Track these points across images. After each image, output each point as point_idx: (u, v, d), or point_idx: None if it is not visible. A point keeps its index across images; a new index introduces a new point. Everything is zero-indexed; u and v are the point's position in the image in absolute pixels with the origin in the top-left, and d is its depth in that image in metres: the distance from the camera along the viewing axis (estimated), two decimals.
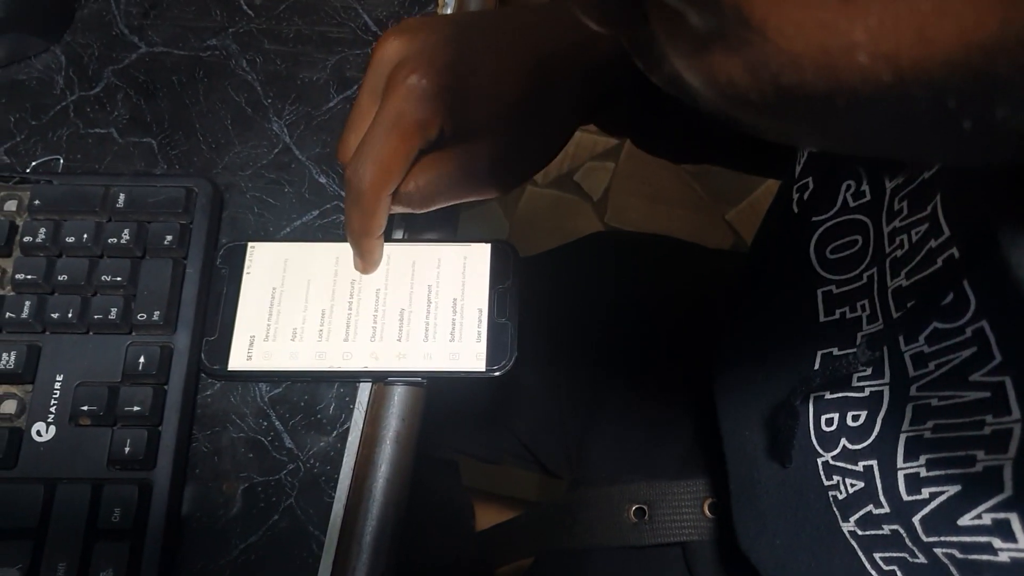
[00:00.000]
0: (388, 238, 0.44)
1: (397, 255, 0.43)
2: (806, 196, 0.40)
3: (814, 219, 0.39)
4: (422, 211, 0.40)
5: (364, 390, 0.41)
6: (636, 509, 0.53)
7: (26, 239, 0.40)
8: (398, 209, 0.39)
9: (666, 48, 0.18)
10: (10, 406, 0.38)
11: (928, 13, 0.14)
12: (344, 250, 0.42)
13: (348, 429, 0.40)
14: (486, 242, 0.43)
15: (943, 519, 0.30)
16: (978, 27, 0.14)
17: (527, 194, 1.34)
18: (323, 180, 0.45)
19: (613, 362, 0.61)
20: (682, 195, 1.36)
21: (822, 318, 0.38)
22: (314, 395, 0.41)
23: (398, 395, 0.41)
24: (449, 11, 0.49)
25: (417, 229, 0.45)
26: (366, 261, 0.41)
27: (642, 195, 1.36)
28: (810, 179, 0.40)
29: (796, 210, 0.40)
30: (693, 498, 0.52)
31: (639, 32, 0.19)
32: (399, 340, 0.41)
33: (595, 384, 0.61)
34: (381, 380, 0.41)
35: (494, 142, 0.38)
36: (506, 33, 0.39)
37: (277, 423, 0.40)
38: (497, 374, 0.40)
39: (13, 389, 0.39)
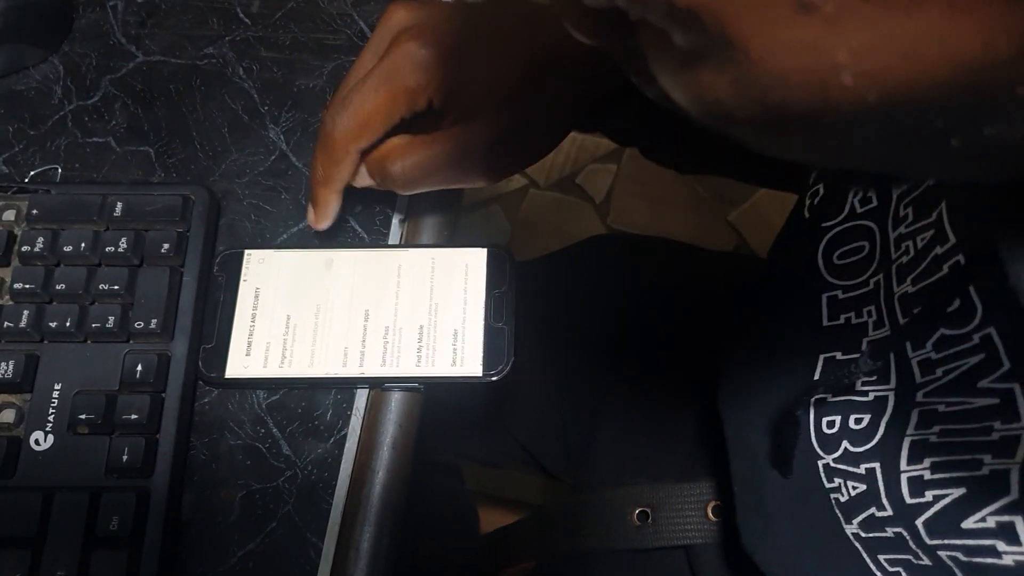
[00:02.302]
0: (384, 244, 0.44)
1: (393, 260, 0.43)
2: (816, 202, 0.40)
3: (823, 224, 0.39)
4: (405, 192, 0.39)
5: (361, 396, 0.41)
6: (639, 512, 0.53)
7: (24, 248, 0.41)
8: (380, 186, 0.39)
9: (653, 66, 0.18)
10: (9, 415, 0.38)
11: (912, 36, 0.14)
12: (341, 256, 0.42)
13: (345, 436, 0.40)
14: (482, 247, 0.43)
15: (947, 522, 0.30)
16: (962, 49, 0.14)
17: (529, 196, 1.34)
18: None
19: (615, 365, 0.61)
20: (684, 197, 1.36)
21: (825, 322, 0.38)
22: (311, 402, 0.41)
23: (395, 401, 0.41)
24: None
25: (415, 232, 0.45)
26: (319, 213, 0.41)
27: (644, 197, 1.36)
28: (821, 185, 0.40)
29: (807, 215, 0.41)
30: (696, 501, 0.52)
31: (627, 46, 0.19)
32: (396, 346, 0.41)
33: (597, 387, 0.61)
34: (378, 386, 0.41)
35: (484, 128, 0.38)
36: (510, 21, 0.39)
37: (275, 430, 0.40)
38: (494, 379, 0.40)
39: (11, 398, 0.39)
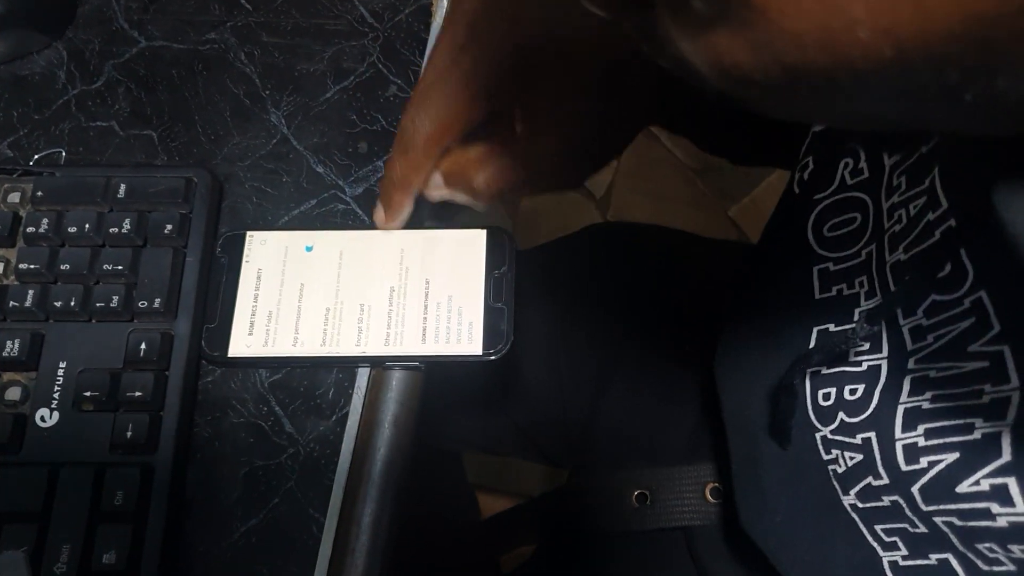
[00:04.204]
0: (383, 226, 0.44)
1: (394, 241, 0.43)
2: (806, 176, 0.40)
3: (814, 197, 0.39)
4: (487, 203, 0.39)
5: (363, 375, 0.41)
6: (638, 494, 0.53)
7: (29, 229, 0.41)
8: (463, 200, 0.39)
9: (671, 31, 0.19)
10: (15, 393, 0.39)
11: None
12: (342, 238, 0.43)
13: (347, 413, 0.41)
14: (482, 228, 0.43)
15: (941, 487, 0.30)
16: (975, 1, 0.14)
17: None
18: (320, 169, 0.45)
19: (614, 349, 0.61)
20: (685, 191, 1.36)
21: (817, 295, 0.38)
22: (313, 380, 0.41)
23: (396, 379, 0.41)
24: (445, 2, 0.49)
25: (416, 214, 0.45)
26: (392, 215, 0.40)
27: (645, 192, 1.37)
28: (810, 159, 0.40)
29: (797, 190, 0.41)
30: (695, 483, 0.52)
31: (643, 16, 0.20)
32: (396, 325, 0.41)
33: (596, 371, 0.61)
34: (379, 365, 0.41)
35: (566, 133, 0.37)
36: (592, 22, 0.39)
37: (277, 408, 0.41)
38: (493, 358, 0.41)
39: (17, 376, 0.39)
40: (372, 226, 0.44)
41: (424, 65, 0.38)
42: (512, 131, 0.38)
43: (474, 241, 0.43)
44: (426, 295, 0.42)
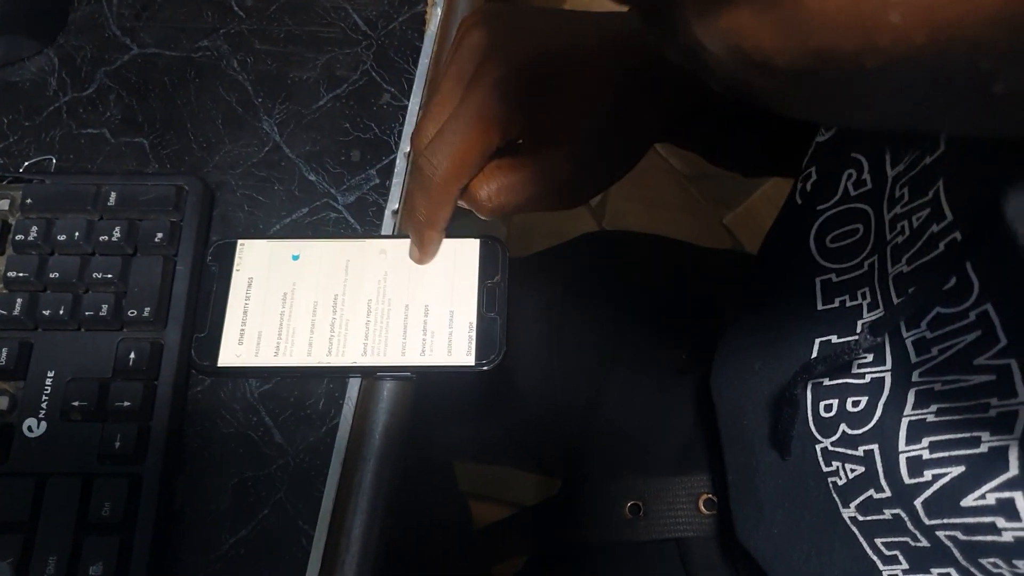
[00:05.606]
0: (377, 235, 0.44)
1: (386, 251, 0.43)
2: (809, 186, 0.40)
3: (817, 208, 0.39)
4: (490, 217, 0.40)
5: (353, 385, 0.41)
6: (631, 505, 0.53)
7: (18, 237, 0.41)
8: (467, 208, 0.40)
9: (689, 13, 0.18)
10: (2, 402, 0.39)
11: None
12: (334, 247, 0.43)
13: (337, 424, 0.40)
14: (475, 238, 0.43)
15: (946, 501, 0.30)
16: None
17: None
18: (312, 178, 0.45)
19: (609, 359, 0.61)
20: (679, 199, 1.36)
21: (819, 306, 0.38)
22: (303, 391, 0.41)
23: (387, 390, 0.41)
24: (439, 10, 0.49)
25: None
26: (424, 252, 0.41)
27: (640, 200, 1.37)
28: (813, 169, 0.40)
29: (799, 200, 0.41)
30: (688, 494, 0.52)
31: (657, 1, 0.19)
32: (388, 335, 0.41)
33: (590, 381, 0.61)
34: (370, 375, 0.41)
35: (570, 153, 0.38)
36: (596, 39, 0.39)
37: (267, 418, 0.40)
38: (486, 368, 0.41)
39: (5, 385, 0.39)
40: (364, 235, 0.44)
41: (425, 101, 0.38)
42: (520, 148, 0.39)
43: (467, 250, 0.43)
44: (418, 305, 0.42)
